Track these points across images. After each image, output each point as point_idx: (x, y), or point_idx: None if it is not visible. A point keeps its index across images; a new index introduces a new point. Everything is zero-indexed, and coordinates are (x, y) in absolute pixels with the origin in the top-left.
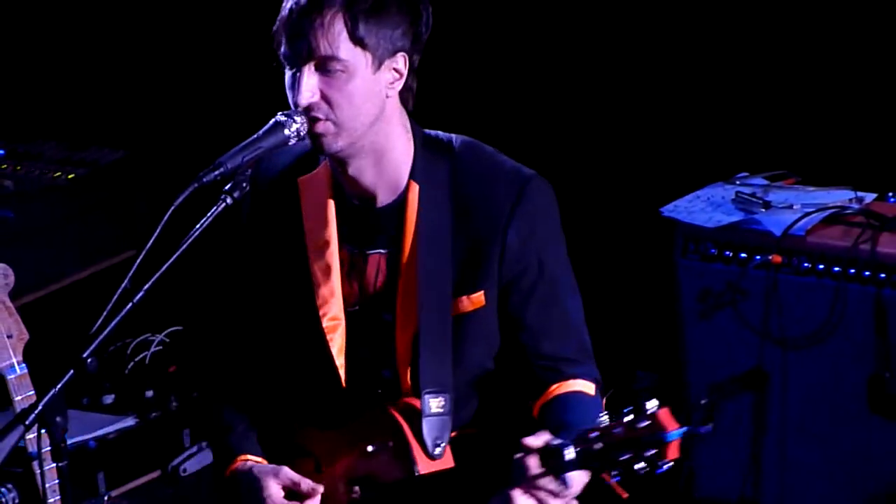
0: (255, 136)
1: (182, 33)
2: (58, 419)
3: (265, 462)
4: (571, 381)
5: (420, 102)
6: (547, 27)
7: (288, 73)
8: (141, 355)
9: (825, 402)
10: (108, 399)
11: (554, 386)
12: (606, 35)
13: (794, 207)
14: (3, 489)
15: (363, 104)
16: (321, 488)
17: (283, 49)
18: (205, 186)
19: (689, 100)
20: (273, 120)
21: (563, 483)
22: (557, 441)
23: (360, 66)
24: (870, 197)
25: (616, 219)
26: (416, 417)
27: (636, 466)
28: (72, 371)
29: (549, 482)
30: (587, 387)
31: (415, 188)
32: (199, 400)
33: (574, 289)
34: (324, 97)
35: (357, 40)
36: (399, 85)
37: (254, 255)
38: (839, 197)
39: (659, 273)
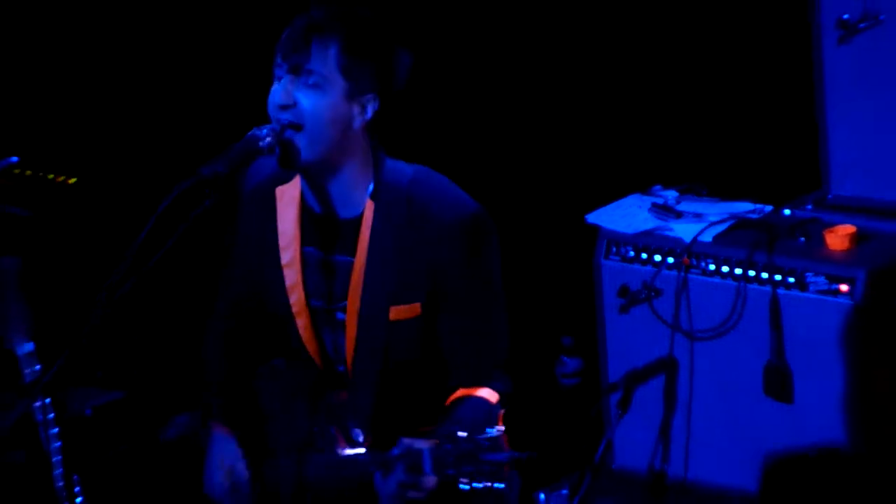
0: (231, 147)
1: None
2: (60, 390)
3: (230, 431)
4: (475, 388)
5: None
6: (486, 47)
7: (276, 84)
8: (129, 337)
9: (726, 386)
10: (100, 375)
11: (462, 390)
12: (543, 64)
13: (702, 217)
14: (14, 449)
15: (331, 122)
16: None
17: (278, 59)
18: (185, 191)
19: (611, 120)
20: (248, 134)
21: (421, 480)
22: (420, 445)
23: (337, 89)
24: (767, 209)
25: (546, 225)
26: (342, 408)
27: (477, 480)
28: (69, 349)
29: (410, 477)
30: (490, 395)
31: (371, 206)
32: (203, 357)
33: (500, 309)
34: (298, 104)
35: (342, 66)
36: (364, 119)
37: (246, 247)
38: (741, 208)
39: (583, 273)
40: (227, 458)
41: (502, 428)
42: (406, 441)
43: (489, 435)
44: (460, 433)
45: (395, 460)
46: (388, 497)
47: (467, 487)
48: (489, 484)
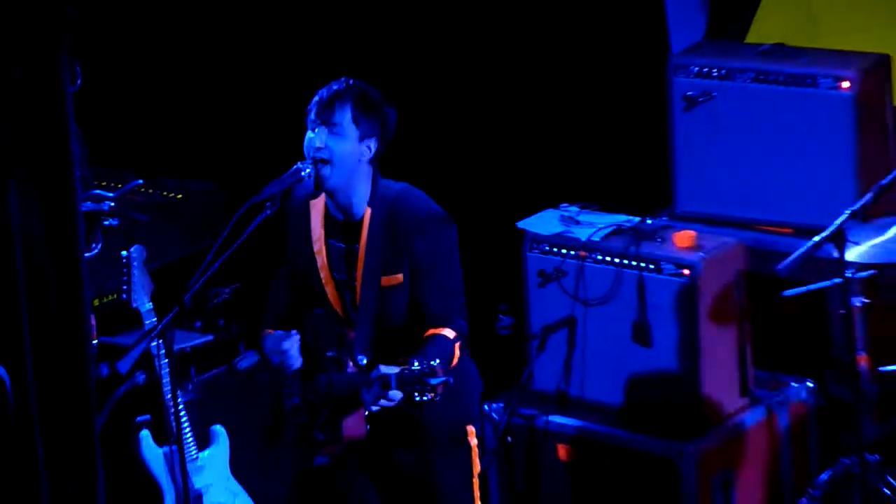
0: (283, 176)
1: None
2: (169, 334)
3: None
4: (440, 328)
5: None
6: (430, 78)
7: (310, 133)
8: (216, 300)
9: (608, 336)
10: (198, 324)
11: (431, 329)
12: (496, 106)
13: (594, 224)
14: (138, 373)
15: (347, 158)
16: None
17: (311, 116)
18: (254, 204)
19: (539, 160)
20: (294, 166)
21: (389, 394)
22: (389, 371)
23: (351, 134)
24: (636, 219)
25: (492, 229)
26: (352, 340)
27: (423, 395)
28: (177, 307)
29: (382, 392)
30: (449, 333)
31: (368, 211)
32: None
33: (457, 276)
34: (327, 147)
35: (354, 119)
36: (368, 156)
37: (293, 242)
38: (619, 219)
39: (515, 261)
40: (281, 335)
41: (437, 360)
42: (381, 367)
43: (431, 365)
44: (416, 362)
45: (373, 381)
46: (368, 404)
47: (418, 399)
48: (428, 397)
